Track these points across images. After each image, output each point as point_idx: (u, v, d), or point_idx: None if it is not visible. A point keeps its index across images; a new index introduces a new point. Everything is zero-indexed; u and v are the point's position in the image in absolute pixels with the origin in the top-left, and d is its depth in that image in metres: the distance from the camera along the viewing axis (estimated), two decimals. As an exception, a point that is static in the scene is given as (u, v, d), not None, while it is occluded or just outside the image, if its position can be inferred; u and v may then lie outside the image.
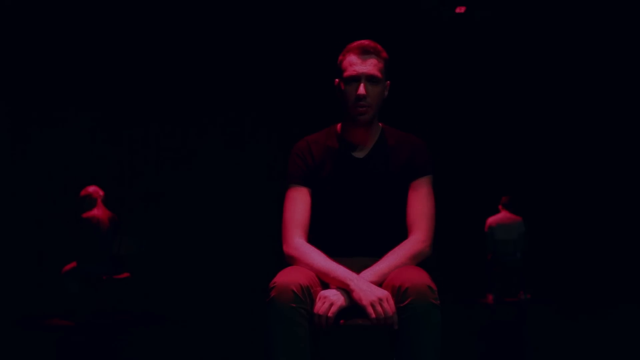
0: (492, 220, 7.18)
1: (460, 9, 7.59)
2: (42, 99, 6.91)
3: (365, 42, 2.09)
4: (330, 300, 1.86)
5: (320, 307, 1.84)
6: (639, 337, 4.70)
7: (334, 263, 1.96)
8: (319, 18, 7.53)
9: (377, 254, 2.03)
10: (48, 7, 6.76)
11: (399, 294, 1.83)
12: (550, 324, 5.56)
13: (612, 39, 7.79)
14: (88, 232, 5.56)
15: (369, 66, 2.05)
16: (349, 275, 1.90)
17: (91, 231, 5.56)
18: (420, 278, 1.84)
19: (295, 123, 7.22)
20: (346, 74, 2.07)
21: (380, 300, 1.82)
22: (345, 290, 1.89)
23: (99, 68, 7.08)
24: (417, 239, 2.04)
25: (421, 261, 2.04)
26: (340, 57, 2.12)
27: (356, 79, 2.05)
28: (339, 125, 2.22)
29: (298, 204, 2.10)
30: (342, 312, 1.88)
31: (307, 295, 1.83)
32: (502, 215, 7.17)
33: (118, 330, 5.36)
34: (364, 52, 2.06)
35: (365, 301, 1.83)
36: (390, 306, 1.82)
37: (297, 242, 2.04)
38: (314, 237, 2.14)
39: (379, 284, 1.92)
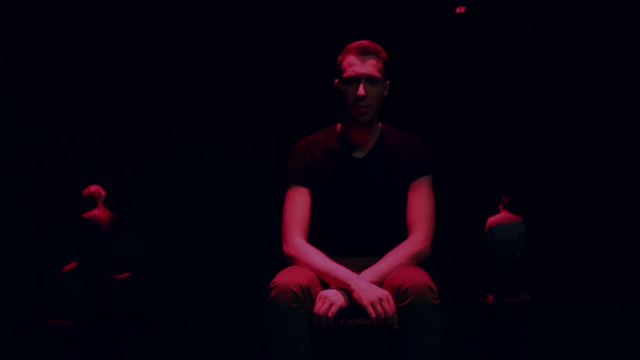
0: (492, 220, 7.18)
1: (461, 9, 7.60)
2: (44, 99, 6.89)
3: (365, 42, 2.08)
4: (331, 300, 1.85)
5: (320, 307, 1.84)
6: (638, 336, 4.71)
7: (334, 263, 1.96)
8: (317, 18, 7.53)
9: (377, 254, 2.03)
10: (46, 8, 6.76)
11: (399, 294, 1.82)
12: (550, 324, 5.56)
13: (610, 39, 7.79)
14: (88, 232, 5.57)
15: (368, 67, 2.04)
16: (349, 275, 1.90)
17: (91, 231, 5.57)
18: (420, 278, 1.84)
19: (294, 124, 7.20)
20: (345, 74, 2.06)
21: (380, 300, 1.82)
22: (346, 290, 1.89)
23: (100, 70, 7.06)
24: (417, 239, 2.04)
25: (421, 261, 2.04)
26: (339, 58, 2.11)
27: (355, 79, 2.04)
28: (338, 126, 2.21)
29: (298, 204, 2.09)
30: (342, 312, 1.88)
31: (307, 295, 1.83)
32: (502, 215, 7.18)
33: (118, 330, 5.36)
34: (363, 53, 2.05)
35: (365, 301, 1.83)
36: (390, 306, 1.82)
37: (297, 242, 2.04)
38: (314, 237, 2.13)
39: (379, 284, 1.92)
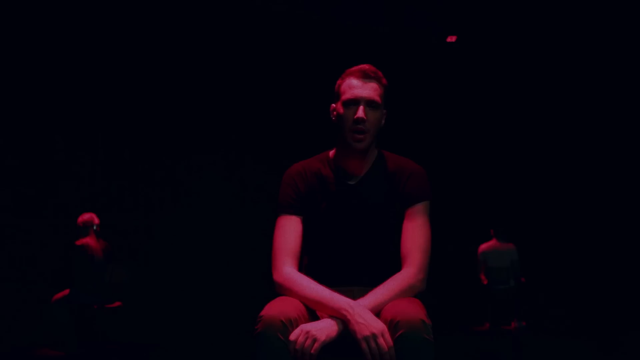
0: (484, 246, 7.13)
1: (452, 38, 7.67)
2: (42, 129, 6.84)
3: (366, 66, 2.07)
4: (313, 335, 1.76)
5: (301, 341, 1.75)
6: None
7: (327, 290, 1.90)
8: (309, 48, 7.58)
9: (371, 284, 1.95)
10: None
11: (390, 326, 1.77)
12: (546, 352, 5.51)
13: (597, 56, 7.80)
14: (81, 260, 5.52)
15: (369, 90, 2.02)
16: (345, 305, 1.82)
17: (84, 259, 5.52)
18: (414, 311, 1.78)
19: (283, 150, 7.22)
20: (345, 97, 2.02)
21: (374, 336, 1.74)
22: (337, 319, 1.82)
23: (96, 104, 6.95)
24: (409, 273, 1.96)
25: (413, 295, 1.95)
26: (338, 82, 2.09)
27: (355, 102, 2.01)
28: (332, 152, 2.17)
29: (288, 233, 2.04)
30: (330, 344, 1.80)
31: (294, 328, 1.79)
32: (494, 242, 7.13)
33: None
34: (365, 76, 2.03)
35: (359, 335, 1.76)
36: (386, 341, 1.74)
37: (287, 270, 1.98)
38: (307, 266, 2.10)
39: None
